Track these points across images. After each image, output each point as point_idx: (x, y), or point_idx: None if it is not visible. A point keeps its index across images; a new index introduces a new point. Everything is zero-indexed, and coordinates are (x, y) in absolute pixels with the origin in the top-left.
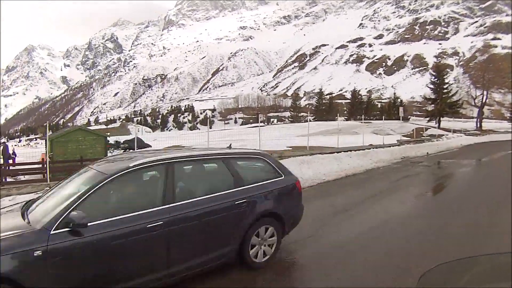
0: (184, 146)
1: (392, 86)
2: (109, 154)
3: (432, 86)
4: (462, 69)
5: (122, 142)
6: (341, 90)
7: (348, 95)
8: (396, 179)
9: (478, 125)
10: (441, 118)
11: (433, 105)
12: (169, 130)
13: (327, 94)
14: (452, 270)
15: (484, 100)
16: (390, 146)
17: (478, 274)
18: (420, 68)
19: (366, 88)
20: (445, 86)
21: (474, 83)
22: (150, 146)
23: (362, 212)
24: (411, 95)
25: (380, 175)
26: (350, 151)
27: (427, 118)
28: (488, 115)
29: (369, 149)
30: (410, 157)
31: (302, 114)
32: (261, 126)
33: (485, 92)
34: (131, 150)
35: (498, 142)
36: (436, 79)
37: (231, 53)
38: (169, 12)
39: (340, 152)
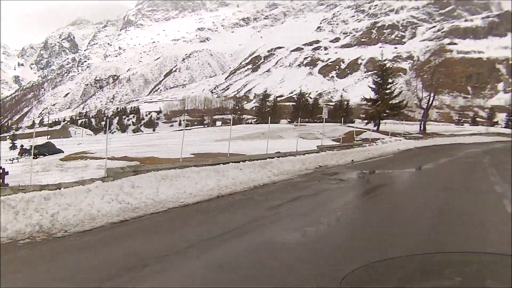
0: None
1: (343, 89)
2: (20, 160)
3: (374, 87)
4: (415, 73)
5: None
6: (292, 92)
7: (304, 99)
8: (280, 203)
9: (422, 128)
10: (380, 121)
11: (372, 107)
12: (112, 133)
13: (278, 97)
14: (375, 271)
15: (430, 102)
16: (305, 154)
17: (405, 275)
18: (374, 72)
19: (317, 91)
20: (388, 86)
21: (425, 86)
22: (62, 152)
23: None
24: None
25: (266, 195)
26: (245, 161)
27: (365, 121)
28: (437, 117)
29: (273, 158)
30: (328, 166)
31: (244, 116)
32: (187, 129)
33: (432, 94)
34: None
35: (442, 146)
36: (379, 79)
37: (186, 54)
38: (129, 12)
39: (229, 163)
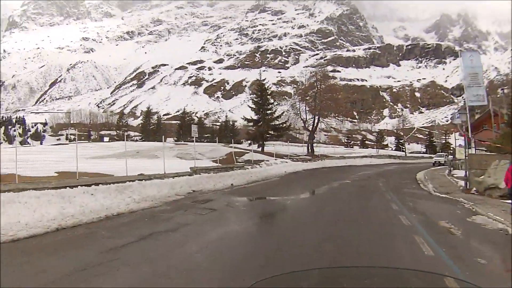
0: None
1: (229, 110)
2: None
3: (254, 107)
4: (299, 97)
5: None
6: (178, 111)
7: (189, 117)
8: (126, 242)
9: (310, 150)
10: (264, 142)
11: (254, 127)
12: None
13: (164, 115)
14: (281, 283)
15: (315, 124)
16: (175, 176)
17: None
18: (253, 92)
19: (203, 111)
20: (268, 107)
21: (310, 109)
22: None
23: None
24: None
25: (114, 229)
26: (98, 184)
27: (248, 142)
28: (326, 140)
29: (133, 181)
30: (203, 191)
31: (129, 133)
32: (60, 144)
33: (316, 117)
34: None
35: (333, 168)
36: (258, 99)
37: (71, 64)
38: (14, 12)
39: (77, 186)
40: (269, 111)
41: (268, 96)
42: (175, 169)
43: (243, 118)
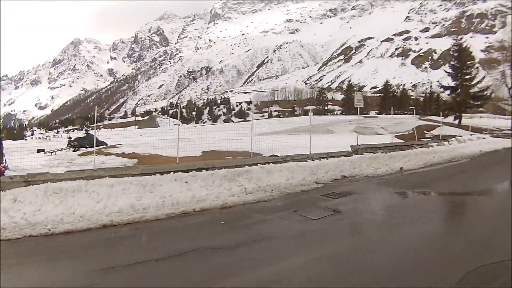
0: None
1: (437, 81)
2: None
3: (450, 71)
4: (508, 64)
5: (73, 139)
6: (389, 84)
7: (392, 89)
8: (145, 259)
9: None
10: (462, 113)
11: (450, 96)
12: (203, 123)
13: (372, 88)
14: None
15: None
16: (323, 158)
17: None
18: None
19: (411, 82)
20: (467, 71)
21: None
22: (106, 144)
23: None
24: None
25: (154, 235)
26: (207, 169)
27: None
28: None
29: (256, 164)
30: (358, 177)
31: (328, 107)
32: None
33: None
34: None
35: None
36: (456, 62)
37: (276, 45)
38: (215, 5)
39: (170, 172)
40: (468, 76)
41: (468, 60)
42: (338, 146)
43: (438, 85)
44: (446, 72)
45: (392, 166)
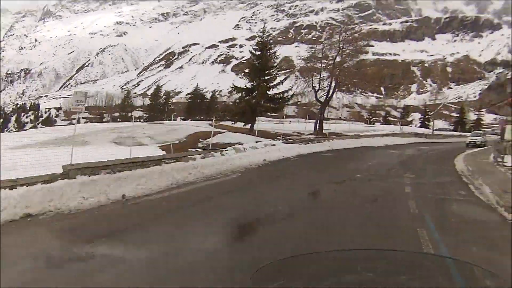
0: None
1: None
2: None
3: (247, 71)
4: (327, 73)
5: None
6: (202, 90)
7: (208, 95)
8: None
9: (318, 127)
10: (257, 117)
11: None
12: (8, 131)
13: (187, 94)
14: (285, 267)
15: (330, 95)
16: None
17: (315, 271)
18: (287, 70)
19: (227, 89)
20: (267, 71)
21: (338, 86)
22: None
23: None
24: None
25: None
26: None
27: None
28: (347, 116)
29: None
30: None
31: (131, 114)
32: None
33: (332, 85)
34: None
35: (341, 152)
36: (257, 61)
37: (100, 48)
38: (50, 2)
39: None
40: (268, 77)
41: (270, 57)
42: (53, 165)
43: (232, 87)
44: (244, 72)
45: (113, 194)
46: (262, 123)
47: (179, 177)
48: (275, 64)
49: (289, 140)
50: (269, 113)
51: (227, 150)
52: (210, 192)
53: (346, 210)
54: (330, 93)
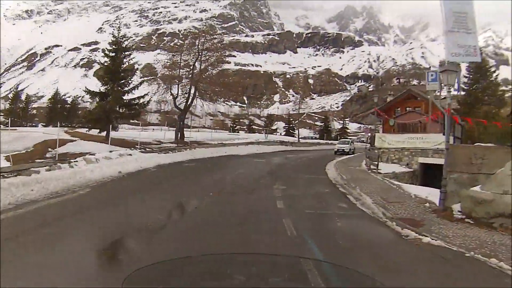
0: None
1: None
2: None
3: (102, 73)
4: (188, 81)
5: None
6: (65, 95)
7: (70, 100)
8: None
9: (179, 136)
10: (113, 124)
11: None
12: None
13: (49, 99)
14: (160, 271)
15: (189, 102)
16: None
17: (194, 274)
18: (149, 77)
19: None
20: (121, 75)
21: (200, 93)
22: None
23: None
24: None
25: None
26: None
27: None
28: (211, 125)
29: None
30: None
31: None
32: None
33: (192, 92)
34: None
35: (204, 161)
36: (110, 63)
37: None
38: None
39: None
40: (123, 81)
41: (125, 59)
42: None
43: (85, 91)
44: (98, 75)
45: None
46: (124, 131)
47: (19, 194)
48: (133, 67)
49: (147, 149)
50: (132, 120)
51: (77, 161)
52: (49, 215)
53: (208, 237)
54: (190, 100)
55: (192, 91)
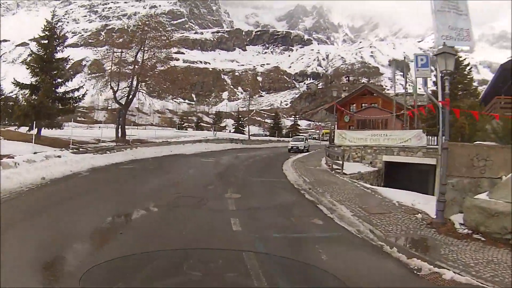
0: None
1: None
2: None
3: (34, 64)
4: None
5: None
6: (11, 92)
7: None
8: None
9: (121, 133)
10: (41, 121)
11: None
12: None
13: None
14: (115, 268)
15: (131, 96)
16: None
17: (150, 270)
18: (97, 74)
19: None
20: (54, 65)
21: (149, 91)
22: None
23: None
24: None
25: None
26: None
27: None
28: (159, 122)
29: None
30: None
31: None
32: None
33: (133, 85)
34: None
35: (145, 163)
36: (42, 52)
37: None
38: None
39: None
40: (55, 71)
41: (58, 46)
42: None
43: (14, 83)
44: (26, 64)
45: None
46: (71, 129)
47: None
48: (67, 57)
49: (81, 149)
50: (79, 118)
51: None
52: None
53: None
54: (132, 94)
55: (135, 84)
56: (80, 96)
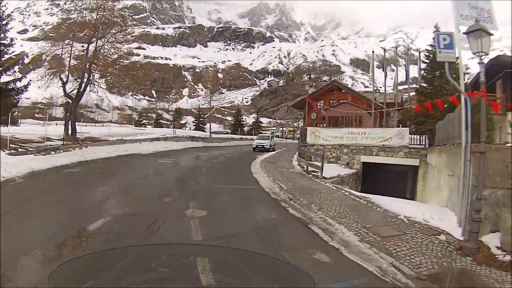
0: None
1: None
2: None
3: None
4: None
5: None
6: None
7: None
8: None
9: (71, 131)
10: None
11: None
12: None
13: None
14: (84, 265)
15: (82, 89)
16: None
17: (120, 267)
18: (56, 69)
19: None
20: None
21: (109, 87)
22: None
23: None
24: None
25: None
26: None
27: None
28: (118, 119)
29: None
30: None
31: None
32: None
33: (85, 77)
34: None
35: (95, 166)
36: None
37: None
38: None
39: None
40: None
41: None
42: None
43: None
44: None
45: None
46: (27, 126)
47: None
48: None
49: (20, 150)
50: (37, 115)
51: None
52: None
53: None
54: (83, 86)
55: (84, 81)
56: (22, 88)
